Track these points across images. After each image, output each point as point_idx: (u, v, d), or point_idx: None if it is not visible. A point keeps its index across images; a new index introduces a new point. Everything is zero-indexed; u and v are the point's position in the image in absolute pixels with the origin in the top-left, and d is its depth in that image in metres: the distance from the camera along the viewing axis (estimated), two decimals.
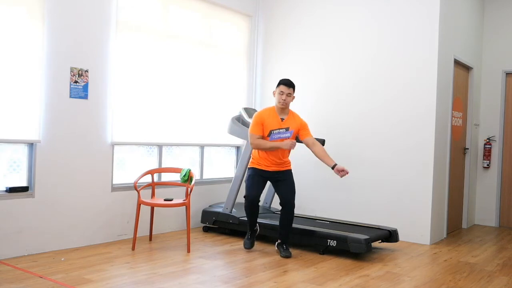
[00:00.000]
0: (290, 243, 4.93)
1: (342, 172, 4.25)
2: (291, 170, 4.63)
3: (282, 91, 4.43)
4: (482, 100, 6.76)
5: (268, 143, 4.41)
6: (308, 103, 6.08)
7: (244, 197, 4.56)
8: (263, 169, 4.52)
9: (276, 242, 4.66)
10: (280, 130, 4.44)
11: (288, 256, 4.48)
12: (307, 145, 4.51)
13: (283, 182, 4.53)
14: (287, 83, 4.45)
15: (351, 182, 5.73)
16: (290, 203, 4.47)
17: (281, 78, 4.67)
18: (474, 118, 6.55)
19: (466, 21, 6.15)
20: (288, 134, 4.44)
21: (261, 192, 4.55)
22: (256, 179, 4.52)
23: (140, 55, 5.04)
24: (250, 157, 4.81)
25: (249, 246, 4.69)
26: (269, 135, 4.44)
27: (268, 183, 5.21)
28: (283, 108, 4.49)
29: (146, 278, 3.64)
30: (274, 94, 4.52)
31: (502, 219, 6.60)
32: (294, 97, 4.53)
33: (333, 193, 5.86)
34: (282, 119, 4.48)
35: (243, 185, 5.17)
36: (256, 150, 4.54)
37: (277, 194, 4.59)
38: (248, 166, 4.64)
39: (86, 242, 4.61)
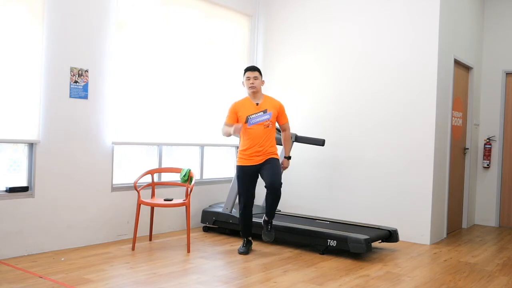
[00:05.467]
0: (290, 243, 4.93)
1: (283, 166, 4.66)
2: (276, 158, 4.51)
3: (248, 77, 4.52)
4: (482, 100, 6.76)
5: (224, 128, 4.49)
6: (308, 102, 6.08)
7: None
8: (247, 164, 4.45)
9: (263, 219, 4.58)
10: (258, 114, 4.44)
11: (269, 239, 4.48)
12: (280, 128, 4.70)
13: (266, 166, 4.42)
14: (251, 68, 4.57)
15: (351, 182, 5.73)
16: (275, 184, 4.31)
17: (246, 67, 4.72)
18: (474, 118, 6.55)
19: (466, 21, 6.15)
20: (267, 116, 4.43)
21: (253, 191, 4.52)
22: (244, 180, 4.48)
23: (140, 55, 5.04)
24: None
25: (244, 252, 4.56)
26: (246, 121, 4.43)
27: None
28: (255, 92, 4.52)
29: (146, 278, 3.64)
30: (243, 84, 4.59)
31: (502, 219, 6.60)
32: (263, 81, 4.62)
33: (333, 193, 5.86)
34: (257, 104, 4.50)
35: None
36: (243, 145, 4.49)
37: (262, 179, 4.46)
38: (236, 164, 4.59)
39: (86, 242, 4.61)
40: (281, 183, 4.37)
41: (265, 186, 4.38)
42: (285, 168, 4.70)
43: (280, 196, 4.39)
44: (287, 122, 4.66)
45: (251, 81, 4.49)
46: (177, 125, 5.48)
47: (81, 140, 4.53)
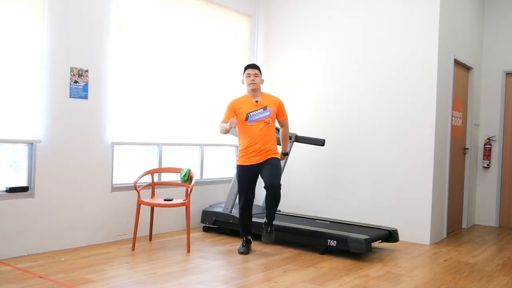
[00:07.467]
0: (290, 243, 4.94)
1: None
2: (277, 158, 4.49)
3: (249, 74, 4.51)
4: (482, 100, 6.76)
5: (221, 125, 4.44)
6: (308, 102, 6.08)
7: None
8: (248, 164, 4.43)
9: (263, 221, 4.54)
10: (258, 111, 4.44)
11: (269, 241, 4.46)
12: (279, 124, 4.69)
13: (266, 166, 4.41)
14: (251, 66, 4.57)
15: (351, 182, 5.73)
16: (274, 185, 4.30)
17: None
18: (474, 118, 6.55)
19: (466, 21, 6.15)
20: (267, 113, 4.44)
21: (253, 190, 4.51)
22: (244, 180, 4.46)
23: (140, 55, 5.04)
24: None
25: (244, 252, 4.56)
26: (246, 119, 4.43)
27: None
28: (255, 90, 4.52)
29: (146, 278, 3.64)
30: (243, 82, 4.59)
31: (502, 219, 6.60)
32: (262, 80, 4.61)
33: (333, 193, 5.86)
34: (257, 101, 4.50)
35: None
36: (243, 143, 4.48)
37: (262, 179, 4.44)
38: (236, 163, 4.58)
39: (86, 242, 4.61)
40: (280, 185, 4.37)
41: (264, 187, 4.37)
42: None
43: (279, 197, 4.39)
44: (286, 118, 4.67)
45: (251, 77, 4.48)
46: (177, 125, 5.48)
47: (81, 140, 4.53)
